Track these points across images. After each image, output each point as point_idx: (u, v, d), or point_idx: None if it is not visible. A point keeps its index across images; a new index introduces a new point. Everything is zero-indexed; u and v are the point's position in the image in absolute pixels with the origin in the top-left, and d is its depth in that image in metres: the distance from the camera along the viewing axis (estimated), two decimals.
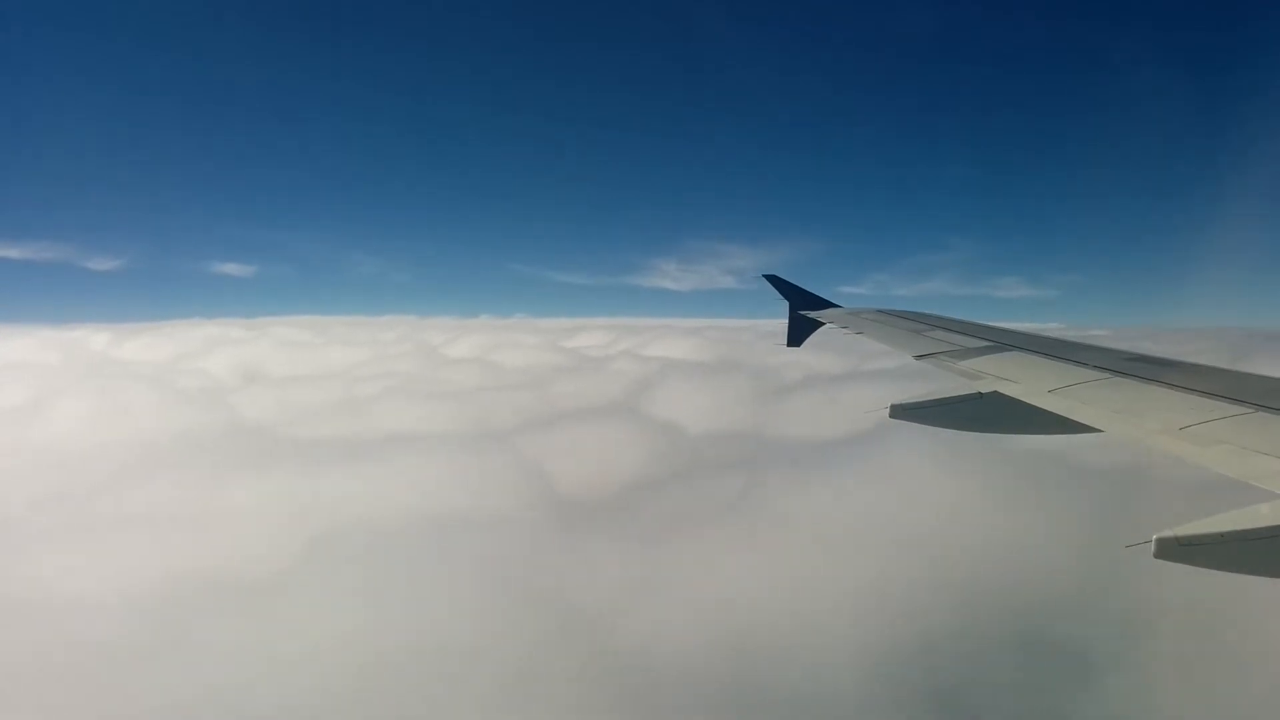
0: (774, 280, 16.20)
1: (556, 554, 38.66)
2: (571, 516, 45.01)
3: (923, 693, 27.91)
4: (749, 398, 78.35)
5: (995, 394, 7.08)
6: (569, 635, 31.71)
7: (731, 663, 29.57)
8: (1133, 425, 5.78)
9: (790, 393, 79.49)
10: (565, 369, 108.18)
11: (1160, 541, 3.99)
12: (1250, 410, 5.56)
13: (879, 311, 13.75)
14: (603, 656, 30.41)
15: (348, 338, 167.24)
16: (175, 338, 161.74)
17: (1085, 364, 7.68)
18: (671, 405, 73.46)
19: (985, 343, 9.47)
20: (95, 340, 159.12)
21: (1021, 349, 8.84)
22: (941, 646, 29.31)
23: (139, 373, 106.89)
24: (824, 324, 14.63)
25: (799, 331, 15.50)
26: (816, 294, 15.95)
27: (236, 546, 38.95)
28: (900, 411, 7.24)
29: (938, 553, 34.87)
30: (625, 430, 63.54)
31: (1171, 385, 6.52)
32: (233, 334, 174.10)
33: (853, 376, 77.42)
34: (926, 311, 12.87)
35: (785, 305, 15.87)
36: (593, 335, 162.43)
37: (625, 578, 35.58)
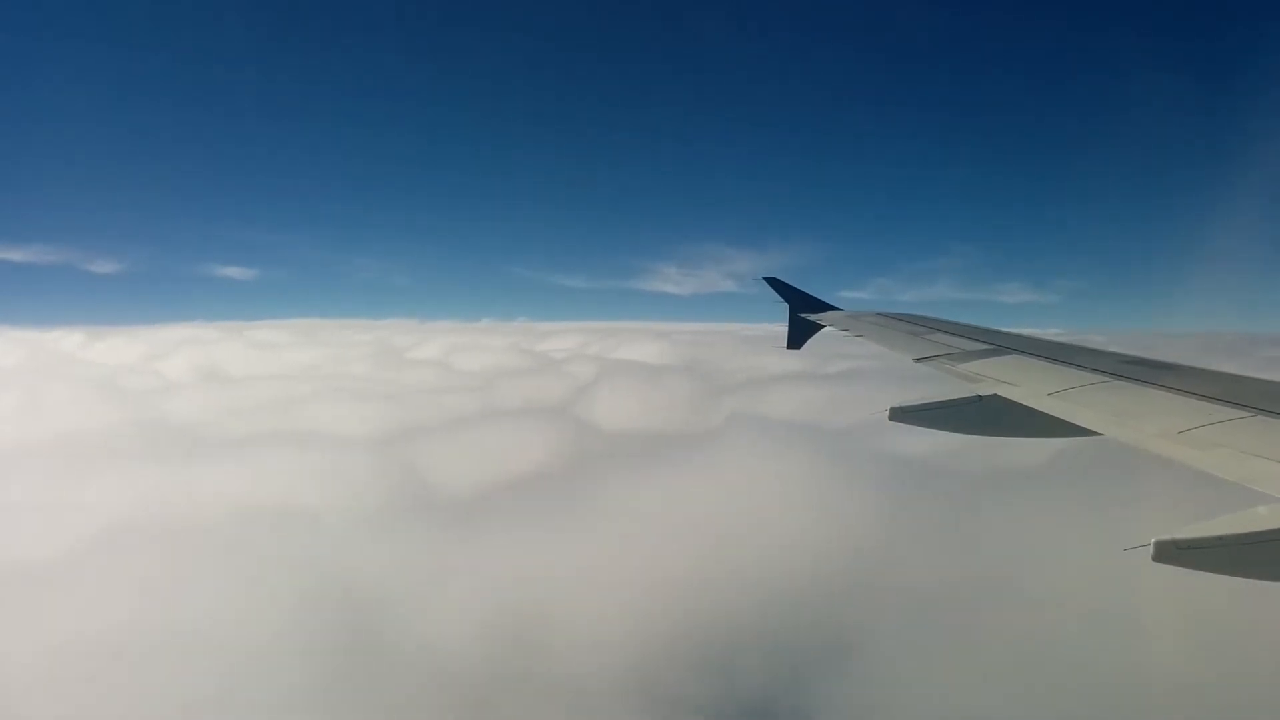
0: (773, 283, 16.19)
1: (371, 550, 39.39)
2: (415, 514, 45.78)
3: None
4: (682, 399, 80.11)
5: (995, 397, 7.09)
6: (350, 630, 32.48)
7: (509, 654, 31.10)
8: (1131, 428, 5.79)
9: (727, 394, 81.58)
10: (519, 371, 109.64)
11: (1159, 545, 4.00)
12: (1249, 414, 5.57)
13: (878, 314, 13.76)
14: (378, 651, 31.38)
15: (328, 339, 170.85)
16: (149, 340, 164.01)
17: (1084, 367, 7.69)
18: (600, 406, 75.60)
19: (985, 346, 9.48)
20: (68, 341, 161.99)
21: (1021, 352, 8.85)
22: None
23: (91, 374, 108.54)
24: (824, 327, 14.63)
25: (799, 334, 15.49)
26: (816, 297, 15.95)
27: (28, 535, 40.02)
28: (900, 414, 7.25)
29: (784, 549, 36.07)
30: (539, 430, 64.55)
31: (1170, 389, 6.53)
32: (208, 335, 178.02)
33: (808, 378, 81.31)
34: (926, 315, 12.88)
35: (786, 309, 15.86)
36: (568, 339, 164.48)
37: (429, 573, 36.61)
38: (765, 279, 16.35)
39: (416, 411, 74.36)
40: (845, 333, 13.14)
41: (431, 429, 66.19)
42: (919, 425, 7.29)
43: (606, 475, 49.36)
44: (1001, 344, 9.47)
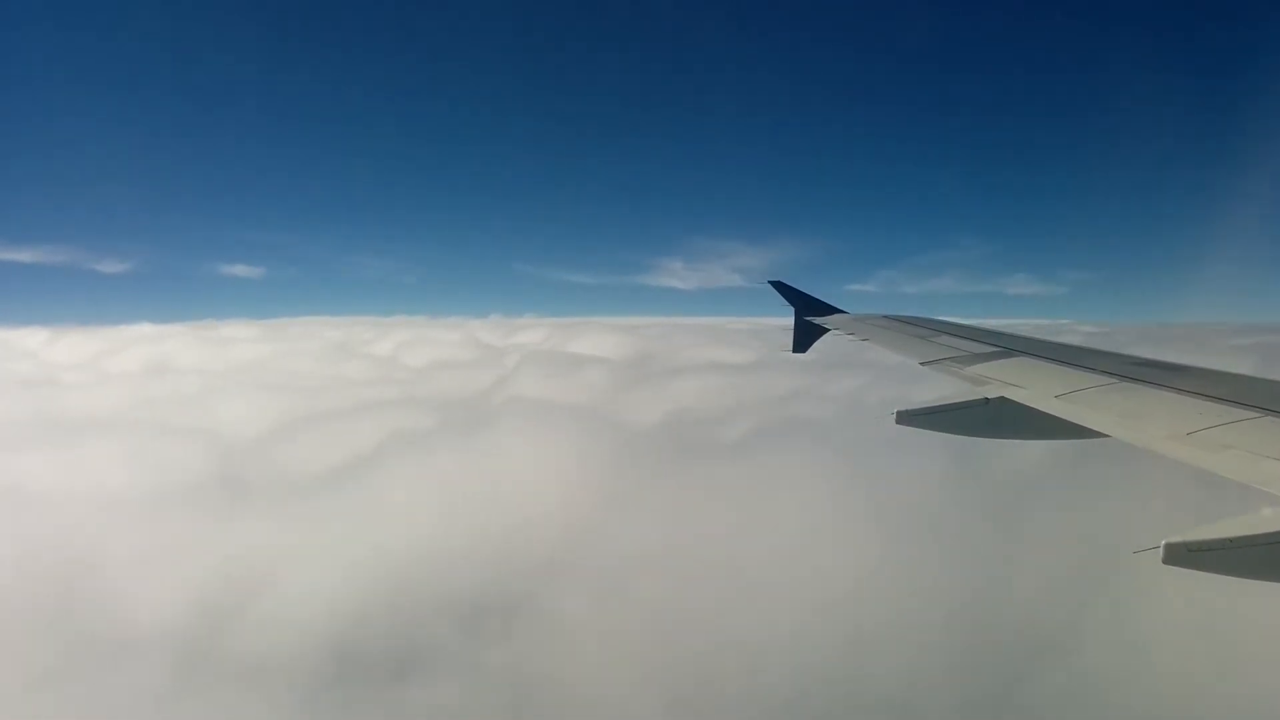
0: (780, 286, 16.19)
1: (112, 533, 41.79)
2: (189, 499, 47.73)
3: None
4: (587, 389, 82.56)
5: (1002, 399, 7.07)
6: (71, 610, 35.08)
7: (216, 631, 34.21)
8: (1140, 430, 5.76)
9: (638, 385, 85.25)
10: (455, 364, 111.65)
11: (1169, 547, 3.98)
12: (1259, 414, 5.55)
13: (885, 317, 13.74)
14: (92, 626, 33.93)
15: (296, 335, 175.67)
16: (110, 338, 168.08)
17: (1092, 369, 7.67)
18: (497, 395, 79.79)
19: (992, 348, 9.46)
20: (33, 340, 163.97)
21: (1028, 354, 8.83)
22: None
23: (20, 369, 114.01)
24: (829, 330, 14.61)
25: (804, 338, 15.48)
26: (822, 299, 15.94)
27: None
28: (907, 418, 7.24)
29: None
30: (415, 419, 66.06)
31: (1179, 390, 6.50)
32: (173, 332, 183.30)
33: (756, 368, 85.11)
34: (933, 316, 12.87)
35: (780, 304, 15.89)
36: (536, 333, 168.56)
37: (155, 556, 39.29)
38: (771, 282, 16.35)
39: (314, 403, 76.75)
40: (851, 336, 13.13)
41: (313, 419, 68.37)
42: (926, 428, 7.27)
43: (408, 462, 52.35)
44: (1009, 346, 9.45)
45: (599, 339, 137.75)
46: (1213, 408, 5.85)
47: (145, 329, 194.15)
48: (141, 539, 40.95)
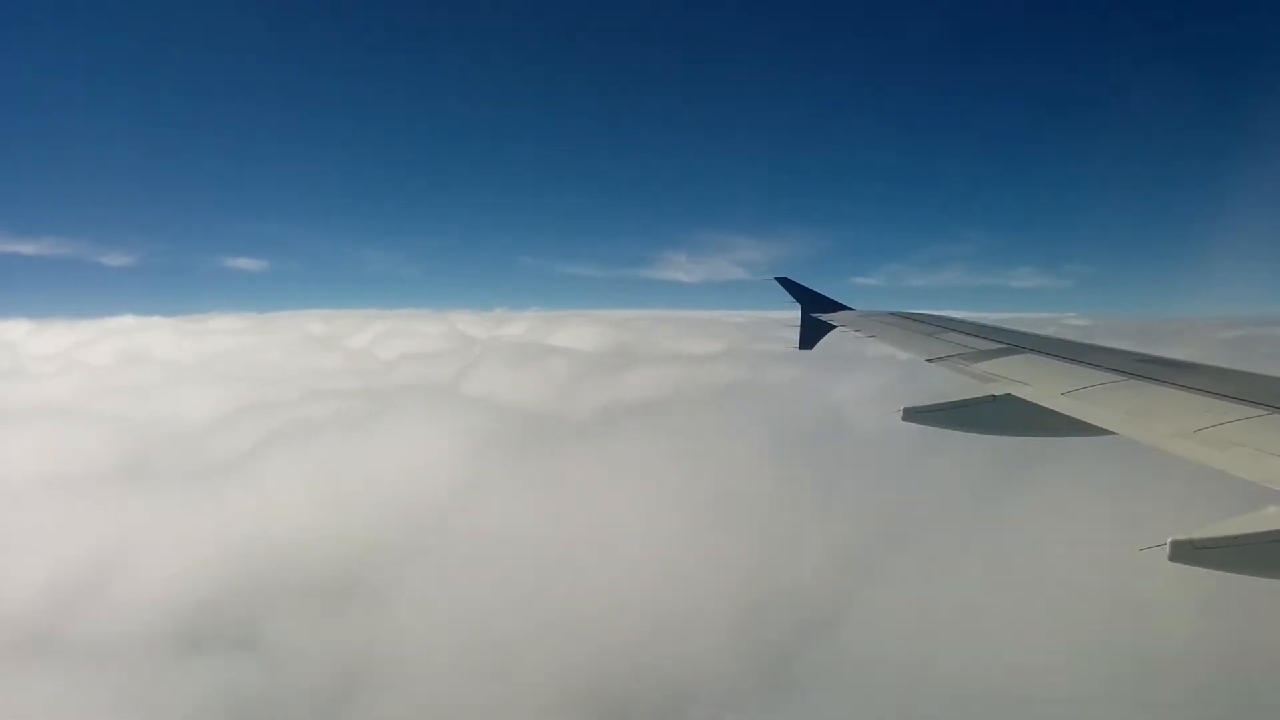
0: (785, 283, 16.19)
1: None
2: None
3: None
4: (542, 380, 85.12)
5: (1008, 396, 7.07)
6: None
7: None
8: (1147, 428, 5.75)
9: (592, 376, 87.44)
10: (424, 356, 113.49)
11: (1175, 544, 3.98)
12: (1267, 412, 5.53)
13: (891, 314, 13.74)
14: None
15: (288, 328, 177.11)
16: (94, 330, 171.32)
17: (1099, 366, 7.65)
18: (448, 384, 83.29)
19: (998, 345, 9.45)
20: (14, 332, 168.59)
21: (1035, 351, 8.82)
22: None
23: None
24: (835, 327, 14.61)
25: (810, 335, 15.47)
26: (829, 297, 15.93)
27: None
28: (913, 415, 7.24)
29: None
30: (348, 409, 68.76)
31: (1186, 387, 6.48)
32: (156, 324, 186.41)
33: (718, 358, 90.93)
34: (937, 308, 12.87)
35: (784, 299, 15.89)
36: (520, 325, 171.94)
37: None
38: (778, 279, 16.36)
39: (263, 393, 78.79)
40: (857, 333, 13.13)
41: (251, 409, 70.32)
42: (932, 425, 7.27)
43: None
44: (1015, 343, 9.44)
45: (580, 331, 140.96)
46: (1220, 405, 5.83)
47: (128, 321, 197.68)
48: (16, 522, 42.77)
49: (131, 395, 79.21)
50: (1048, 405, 6.66)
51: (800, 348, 15.61)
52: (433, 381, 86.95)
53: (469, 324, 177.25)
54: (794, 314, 15.87)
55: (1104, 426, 6.00)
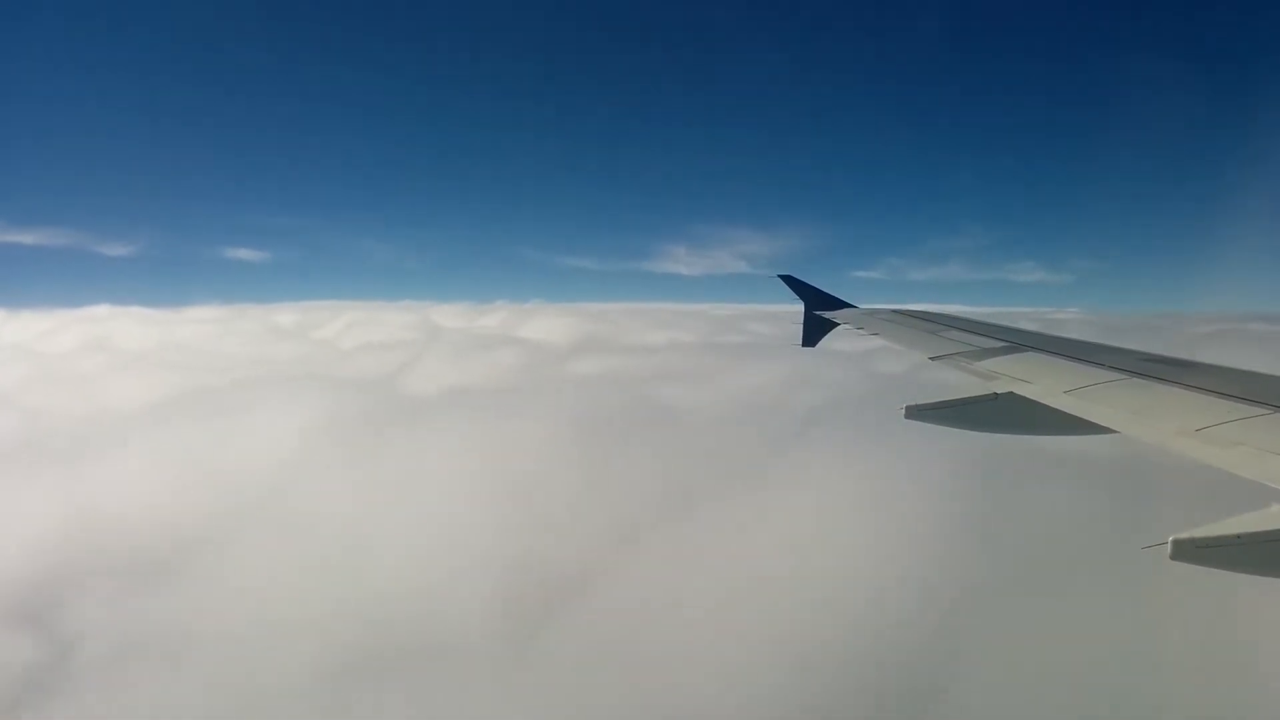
0: (789, 280, 16.17)
1: None
2: None
3: None
4: (469, 371, 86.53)
5: (1011, 395, 7.07)
6: None
7: None
8: (1149, 426, 5.76)
9: (536, 367, 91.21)
10: (383, 346, 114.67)
11: (1177, 543, 3.99)
12: (1269, 411, 5.53)
13: (894, 311, 13.74)
14: None
15: (261, 317, 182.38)
16: (62, 319, 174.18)
17: (1102, 365, 7.65)
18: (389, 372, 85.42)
19: (1001, 343, 9.46)
20: None
21: (1038, 349, 8.83)
22: None
23: None
24: (838, 324, 14.60)
25: (814, 332, 15.46)
26: (832, 294, 15.92)
27: None
28: (915, 412, 7.25)
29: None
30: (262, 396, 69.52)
31: (1189, 386, 6.49)
32: (131, 312, 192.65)
33: (665, 350, 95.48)
34: (938, 303, 12.87)
35: (787, 292, 15.89)
36: (498, 316, 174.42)
37: None
38: (781, 276, 16.34)
39: (194, 381, 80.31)
40: (860, 330, 13.13)
41: (176, 398, 71.86)
42: (935, 423, 7.28)
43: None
44: (1018, 341, 9.45)
45: (553, 323, 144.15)
46: (1223, 404, 5.84)
47: (102, 310, 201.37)
48: None
49: (68, 383, 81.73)
50: (1050, 404, 6.67)
51: (803, 345, 15.58)
52: (373, 372, 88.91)
53: (450, 316, 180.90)
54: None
55: (1107, 425, 6.01)
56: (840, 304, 15.62)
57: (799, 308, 15.78)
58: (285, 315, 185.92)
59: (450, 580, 34.99)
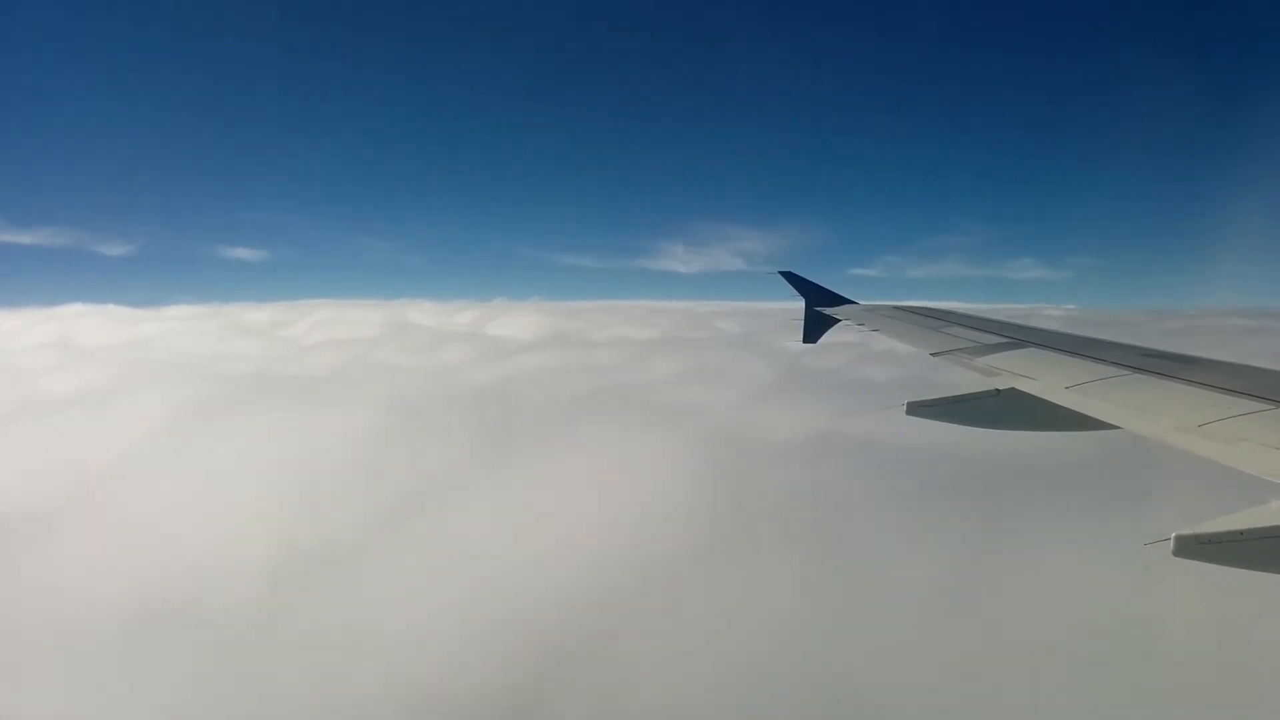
0: (789, 276, 16.16)
1: None
2: None
3: None
4: (448, 368, 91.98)
5: (1012, 391, 7.06)
6: None
7: None
8: (1151, 422, 5.75)
9: (477, 363, 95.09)
10: (340, 342, 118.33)
11: (1179, 539, 3.98)
12: (1271, 406, 5.52)
13: (895, 307, 13.73)
14: None
15: (234, 315, 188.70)
16: (31, 317, 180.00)
17: (1103, 360, 7.64)
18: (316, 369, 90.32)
19: (1002, 339, 9.44)
20: None
21: (1039, 345, 8.81)
22: None
23: None
24: (839, 320, 14.59)
25: (814, 328, 15.45)
26: (833, 290, 15.90)
27: None
28: (917, 409, 7.24)
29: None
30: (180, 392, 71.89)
31: (1190, 381, 6.48)
32: (108, 310, 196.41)
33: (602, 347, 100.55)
34: (937, 301, 12.85)
35: (785, 290, 15.90)
36: (469, 315, 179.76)
37: None
38: (782, 273, 16.33)
39: (131, 378, 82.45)
40: (861, 326, 13.12)
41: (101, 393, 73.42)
42: (936, 419, 7.27)
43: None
44: (1019, 338, 9.44)
45: (520, 320, 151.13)
46: (1224, 400, 5.83)
47: (75, 308, 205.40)
48: None
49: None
50: (1052, 399, 6.66)
51: (804, 341, 15.58)
52: (318, 368, 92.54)
53: (427, 314, 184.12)
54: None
55: (1109, 421, 6.00)
56: (841, 300, 15.61)
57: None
58: (262, 314, 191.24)
59: (220, 555, 37.31)
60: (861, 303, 15.40)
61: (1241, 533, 3.97)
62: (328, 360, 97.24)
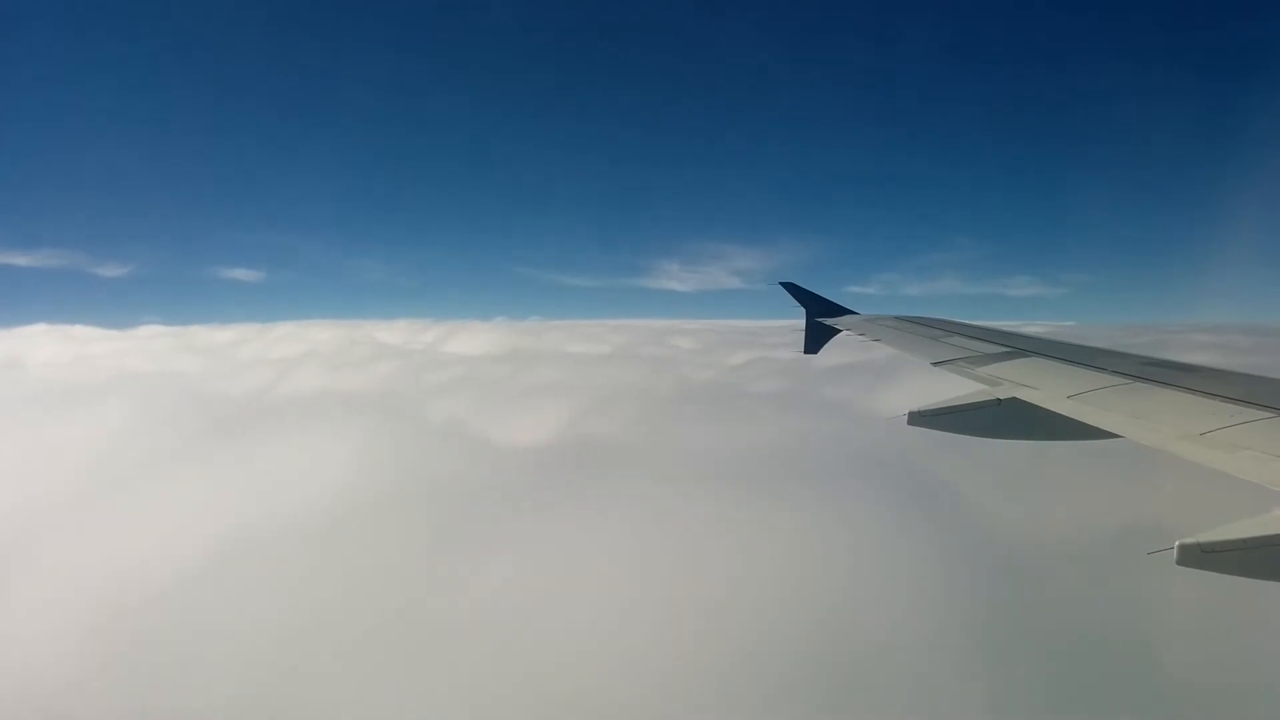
0: (790, 287, 16.20)
1: None
2: None
3: None
4: (373, 384, 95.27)
5: (1014, 400, 7.06)
6: None
7: None
8: (1152, 430, 5.75)
9: (406, 377, 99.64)
10: (295, 360, 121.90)
11: (1182, 548, 3.98)
12: (1272, 414, 5.52)
13: (896, 318, 13.73)
14: None
15: (200, 335, 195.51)
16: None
17: (1104, 369, 7.65)
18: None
19: (1003, 348, 9.44)
20: None
21: (1040, 354, 8.82)
22: None
23: None
24: (840, 331, 14.62)
25: (815, 339, 15.48)
26: (833, 301, 15.93)
27: None
28: (918, 418, 7.23)
29: None
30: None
31: (1192, 390, 6.48)
32: (74, 332, 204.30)
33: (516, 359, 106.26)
34: (943, 317, 12.85)
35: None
36: (433, 333, 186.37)
37: None
38: (783, 284, 16.37)
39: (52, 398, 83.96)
40: (862, 337, 13.13)
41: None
42: (937, 429, 7.26)
43: None
44: (1020, 346, 9.44)
45: (477, 339, 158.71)
46: (1226, 408, 5.83)
47: (39, 328, 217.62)
48: None
49: None
50: (1053, 408, 6.65)
51: (805, 352, 15.62)
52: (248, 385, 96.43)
53: (399, 333, 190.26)
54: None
55: (1110, 429, 6.00)
56: (841, 311, 15.64)
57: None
58: (227, 334, 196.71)
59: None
60: (862, 314, 15.43)
61: (1244, 541, 3.97)
62: (252, 377, 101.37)
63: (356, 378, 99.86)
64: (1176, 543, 3.98)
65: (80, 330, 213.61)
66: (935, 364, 9.33)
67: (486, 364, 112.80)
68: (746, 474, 44.84)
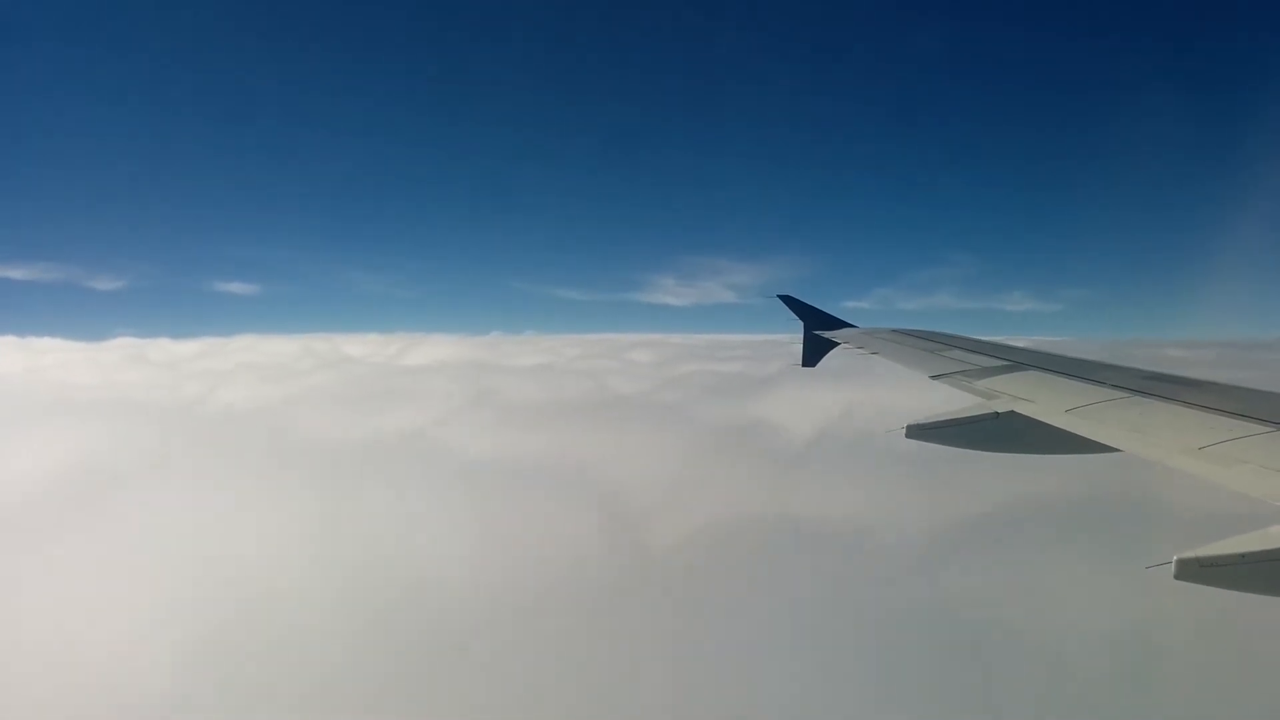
0: (788, 300, 16.19)
1: None
2: None
3: None
4: (305, 395, 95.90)
5: (1012, 413, 7.03)
6: None
7: None
8: (1151, 444, 5.73)
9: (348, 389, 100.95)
10: (224, 373, 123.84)
11: (1181, 563, 3.96)
12: (1271, 429, 5.51)
13: (894, 331, 13.72)
14: None
15: (167, 349, 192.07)
16: None
17: (1103, 383, 7.63)
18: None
19: (1002, 362, 9.43)
20: None
21: (1038, 368, 8.80)
22: None
23: None
24: (838, 344, 14.60)
25: (813, 352, 15.47)
26: (831, 314, 15.93)
27: None
28: (916, 431, 7.21)
29: None
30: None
31: (1190, 404, 6.46)
32: (26, 344, 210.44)
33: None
34: (942, 331, 12.84)
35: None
36: (396, 346, 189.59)
37: None
38: (780, 297, 16.36)
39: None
40: (860, 350, 13.12)
41: None
42: (935, 442, 7.24)
43: None
44: (1019, 360, 9.42)
45: (438, 352, 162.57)
46: (1225, 422, 5.81)
47: (9, 340, 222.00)
48: None
49: None
50: (1052, 422, 6.63)
51: (803, 365, 15.59)
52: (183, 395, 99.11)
53: (368, 346, 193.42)
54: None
55: (1109, 443, 5.98)
56: (839, 324, 15.64)
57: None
58: (192, 346, 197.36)
59: None
60: (860, 327, 15.42)
61: (1243, 556, 3.95)
62: (190, 390, 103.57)
63: (278, 389, 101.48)
64: (1175, 558, 3.96)
65: (45, 342, 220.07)
66: (934, 377, 9.32)
67: (400, 375, 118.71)
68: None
